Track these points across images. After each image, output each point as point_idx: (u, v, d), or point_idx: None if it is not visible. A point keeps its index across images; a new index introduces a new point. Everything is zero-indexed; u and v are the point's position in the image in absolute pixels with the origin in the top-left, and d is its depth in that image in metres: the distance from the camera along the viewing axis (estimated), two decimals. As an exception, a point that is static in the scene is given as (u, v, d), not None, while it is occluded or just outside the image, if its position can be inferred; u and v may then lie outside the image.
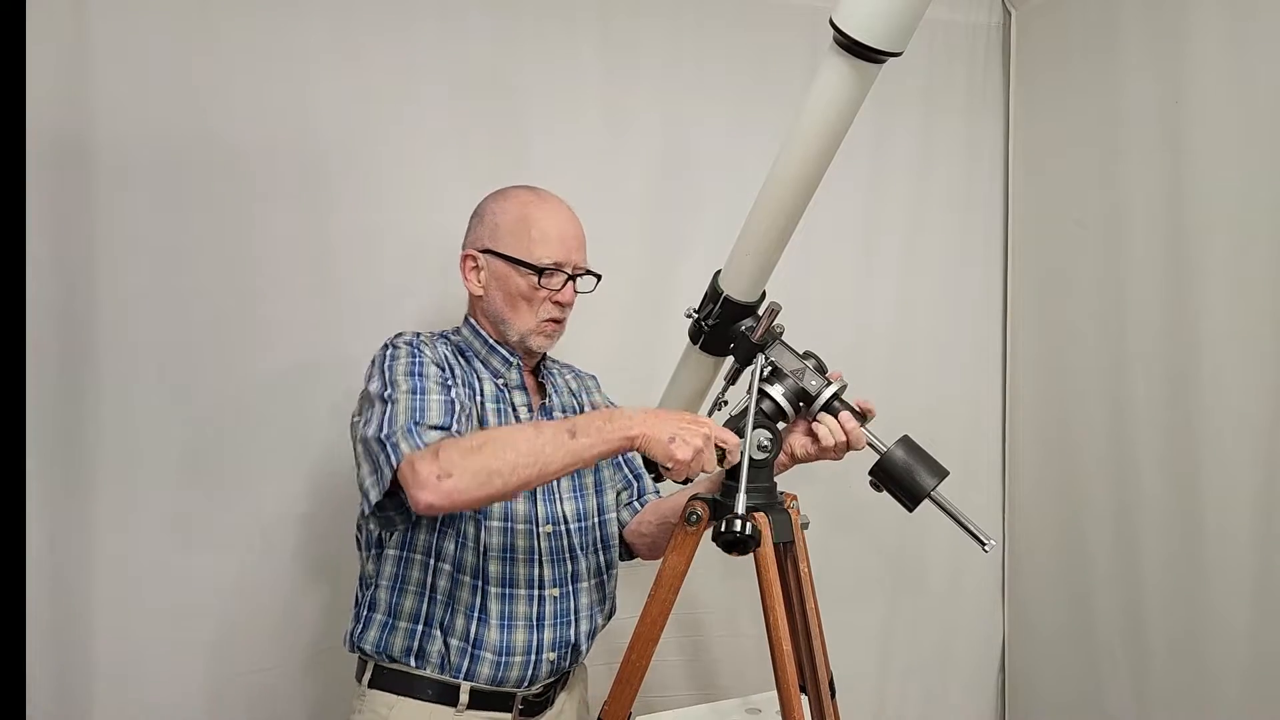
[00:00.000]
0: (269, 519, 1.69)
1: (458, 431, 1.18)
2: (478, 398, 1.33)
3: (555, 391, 1.46)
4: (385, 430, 1.16)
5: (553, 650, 1.36)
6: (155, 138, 1.56)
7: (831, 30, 1.13)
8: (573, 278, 1.36)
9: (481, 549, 1.30)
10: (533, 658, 1.33)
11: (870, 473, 1.27)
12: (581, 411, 1.48)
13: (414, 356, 1.27)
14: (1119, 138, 1.90)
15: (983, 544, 1.23)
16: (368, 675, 1.32)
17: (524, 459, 1.11)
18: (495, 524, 1.31)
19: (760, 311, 1.35)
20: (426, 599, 1.31)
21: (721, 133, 1.97)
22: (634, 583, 1.92)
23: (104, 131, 1.53)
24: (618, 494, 1.54)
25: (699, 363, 1.45)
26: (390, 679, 1.30)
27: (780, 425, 1.34)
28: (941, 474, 1.25)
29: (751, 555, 1.28)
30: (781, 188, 1.25)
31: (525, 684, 1.33)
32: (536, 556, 1.34)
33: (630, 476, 1.57)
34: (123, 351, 1.56)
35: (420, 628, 1.30)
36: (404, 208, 1.75)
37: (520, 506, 1.33)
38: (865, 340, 2.11)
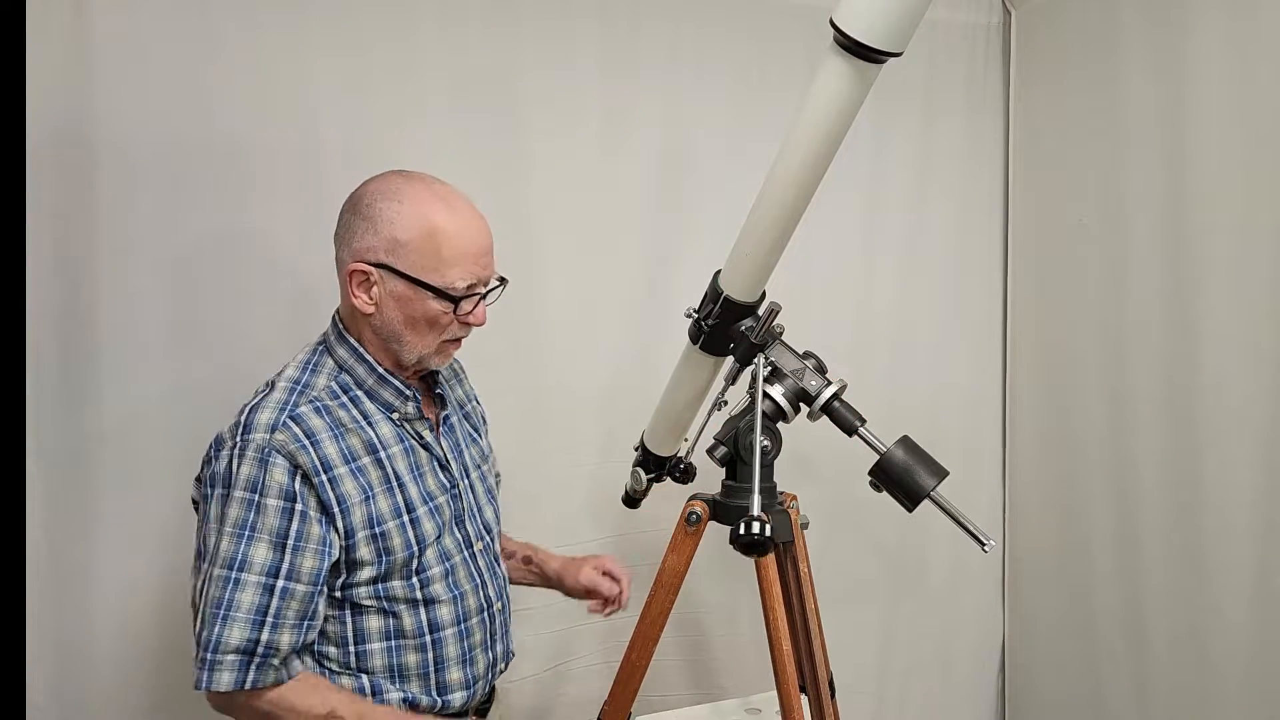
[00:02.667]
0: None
1: (275, 621, 1.08)
2: (380, 452, 1.17)
3: (447, 391, 1.33)
4: (196, 633, 1.08)
5: (503, 661, 1.32)
6: (156, 137, 1.56)
7: (832, 30, 1.12)
8: (484, 295, 1.21)
9: (425, 602, 1.20)
10: (489, 675, 1.29)
11: (870, 473, 1.28)
12: (463, 408, 1.38)
13: (251, 496, 1.08)
14: (1119, 137, 1.90)
15: (982, 544, 1.23)
16: None
17: None
18: (434, 571, 1.21)
19: (760, 312, 1.35)
20: (368, 675, 1.19)
21: (721, 134, 1.97)
22: (634, 583, 1.93)
23: (105, 131, 1.52)
24: None
25: (699, 363, 1.45)
26: None
27: (780, 425, 1.35)
28: (941, 474, 1.25)
29: (752, 557, 1.29)
30: (781, 188, 1.25)
31: (481, 699, 1.31)
32: (479, 578, 1.27)
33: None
34: (123, 351, 1.56)
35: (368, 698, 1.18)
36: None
37: (449, 540, 1.23)
38: (865, 340, 2.11)
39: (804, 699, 1.42)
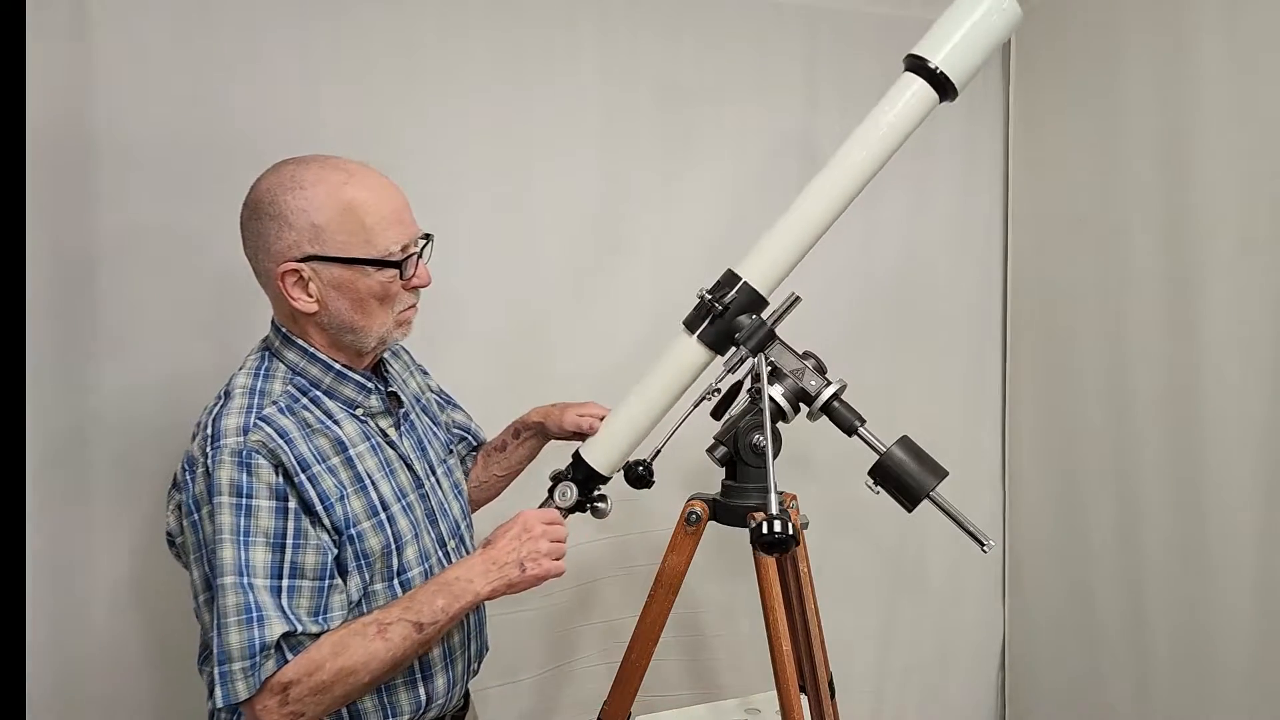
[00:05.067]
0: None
1: (295, 615, 1.03)
2: (349, 450, 1.14)
3: (400, 388, 1.29)
4: (217, 648, 1.00)
5: (476, 660, 1.31)
6: (156, 136, 1.56)
7: (910, 61, 1.29)
8: (419, 254, 1.16)
9: None
10: (465, 676, 1.27)
11: (870, 473, 1.27)
12: (419, 401, 1.35)
13: (240, 500, 1.03)
14: (1119, 137, 1.90)
15: (982, 544, 1.23)
16: None
17: (379, 675, 1.07)
18: (415, 573, 1.17)
19: (768, 311, 1.35)
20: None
21: (722, 133, 1.97)
22: (634, 582, 1.93)
23: (104, 130, 1.53)
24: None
25: (692, 359, 1.39)
26: None
27: (780, 425, 1.35)
28: (941, 474, 1.25)
29: (751, 555, 1.29)
30: (837, 186, 1.32)
31: (457, 705, 1.28)
32: None
33: (459, 433, 1.49)
34: (123, 351, 1.56)
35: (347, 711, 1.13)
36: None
37: (427, 539, 1.20)
38: (865, 340, 2.11)
39: (804, 699, 1.42)
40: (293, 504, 1.06)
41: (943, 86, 1.28)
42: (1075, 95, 2.02)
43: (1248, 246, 1.64)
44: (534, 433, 1.48)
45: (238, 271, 1.62)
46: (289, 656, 1.03)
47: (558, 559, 1.16)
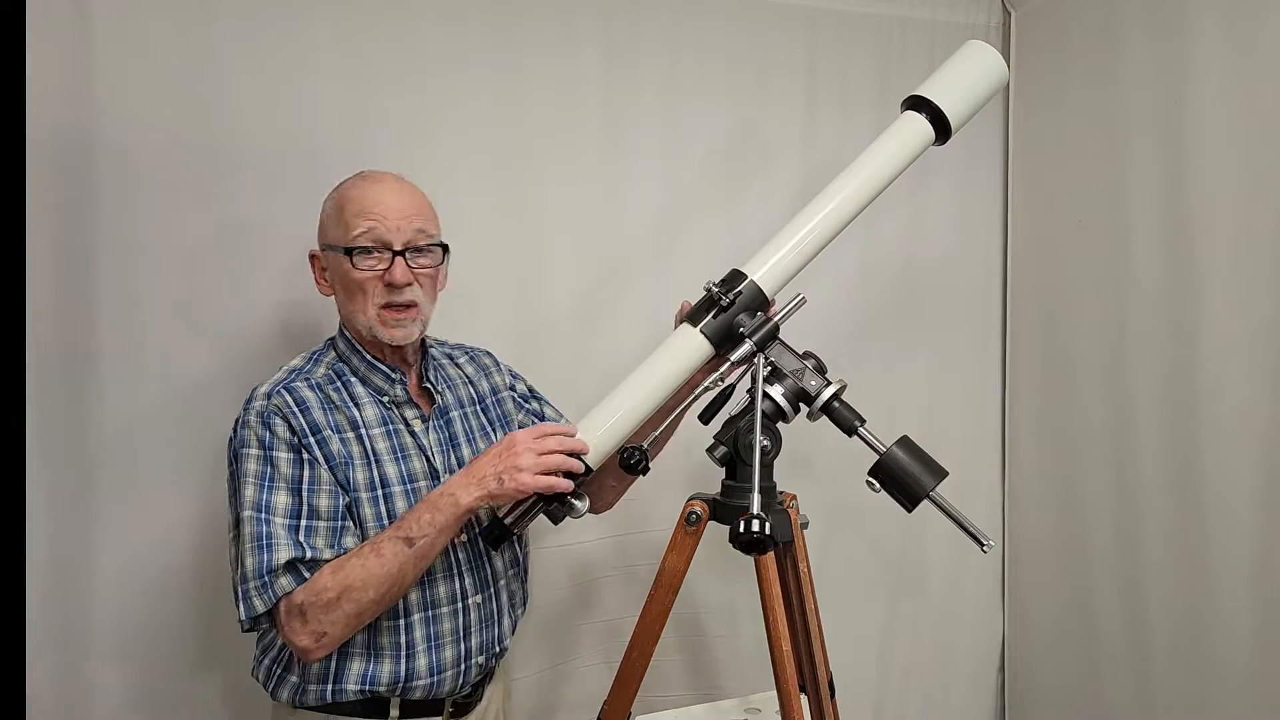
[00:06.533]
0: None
1: (310, 546, 1.16)
2: (361, 429, 1.25)
3: (448, 387, 1.39)
4: (238, 573, 1.17)
5: (481, 654, 1.33)
6: (157, 136, 1.56)
7: (909, 102, 1.42)
8: (401, 254, 1.23)
9: None
10: (462, 667, 1.30)
11: (869, 473, 1.27)
12: (482, 402, 1.44)
13: (264, 452, 1.19)
14: (1119, 137, 1.90)
15: (982, 545, 1.23)
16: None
17: (382, 590, 1.16)
18: None
19: (778, 304, 1.37)
20: (336, 655, 1.23)
21: (722, 132, 1.97)
22: (634, 582, 1.93)
23: (105, 130, 1.53)
24: None
25: (693, 352, 1.38)
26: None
27: (780, 425, 1.34)
28: (941, 474, 1.25)
29: (752, 555, 1.28)
30: (849, 198, 1.39)
31: (456, 692, 1.32)
32: (455, 570, 1.30)
33: None
34: (123, 351, 1.56)
35: (331, 687, 1.24)
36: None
37: None
38: (864, 340, 2.11)
39: (804, 699, 1.42)
40: (307, 456, 1.20)
41: (938, 124, 1.43)
42: (1075, 95, 2.02)
43: (1248, 246, 1.64)
44: None
45: (237, 270, 1.64)
46: (306, 576, 1.15)
47: (547, 473, 1.19)
